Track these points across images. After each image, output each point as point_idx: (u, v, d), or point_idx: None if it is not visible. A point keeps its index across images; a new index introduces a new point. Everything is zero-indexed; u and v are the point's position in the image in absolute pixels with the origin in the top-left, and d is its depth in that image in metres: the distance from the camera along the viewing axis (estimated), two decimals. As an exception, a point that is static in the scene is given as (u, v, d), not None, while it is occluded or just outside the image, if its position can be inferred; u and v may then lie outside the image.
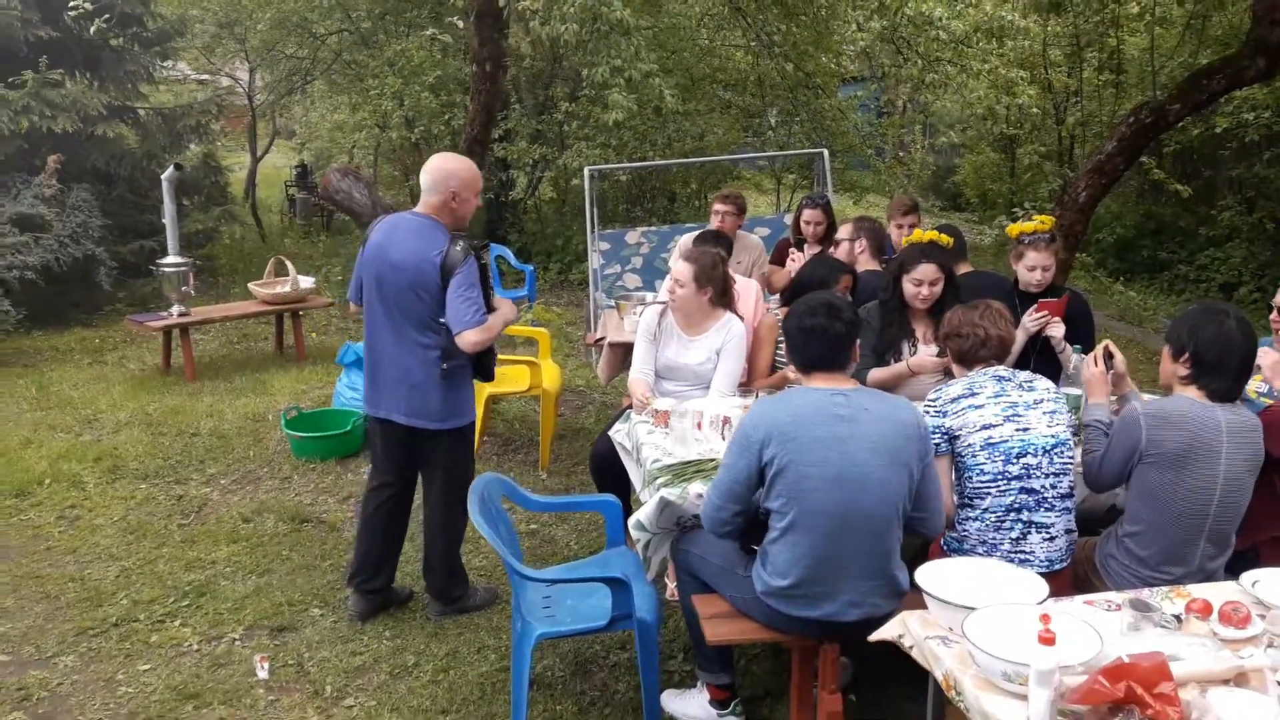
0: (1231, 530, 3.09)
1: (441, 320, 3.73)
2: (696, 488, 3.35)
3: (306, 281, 7.83)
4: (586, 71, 8.83)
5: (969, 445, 3.16)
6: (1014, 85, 9.26)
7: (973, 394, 3.21)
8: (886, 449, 2.88)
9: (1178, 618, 2.51)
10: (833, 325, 3.03)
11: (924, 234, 4.32)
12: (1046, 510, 3.14)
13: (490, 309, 3.82)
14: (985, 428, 3.15)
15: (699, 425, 3.88)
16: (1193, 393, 3.05)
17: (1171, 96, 6.77)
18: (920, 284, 4.18)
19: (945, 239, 4.39)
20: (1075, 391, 4.01)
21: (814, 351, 3.04)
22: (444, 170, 3.81)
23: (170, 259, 7.26)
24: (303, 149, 16.84)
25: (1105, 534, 3.28)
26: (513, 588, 3.37)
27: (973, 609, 2.40)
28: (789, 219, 7.02)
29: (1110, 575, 3.15)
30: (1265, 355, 3.53)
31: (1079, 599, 2.67)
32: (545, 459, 5.70)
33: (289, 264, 7.76)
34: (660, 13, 10.41)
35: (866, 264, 5.14)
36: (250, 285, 7.91)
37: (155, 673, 3.78)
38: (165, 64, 11.57)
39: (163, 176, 7.18)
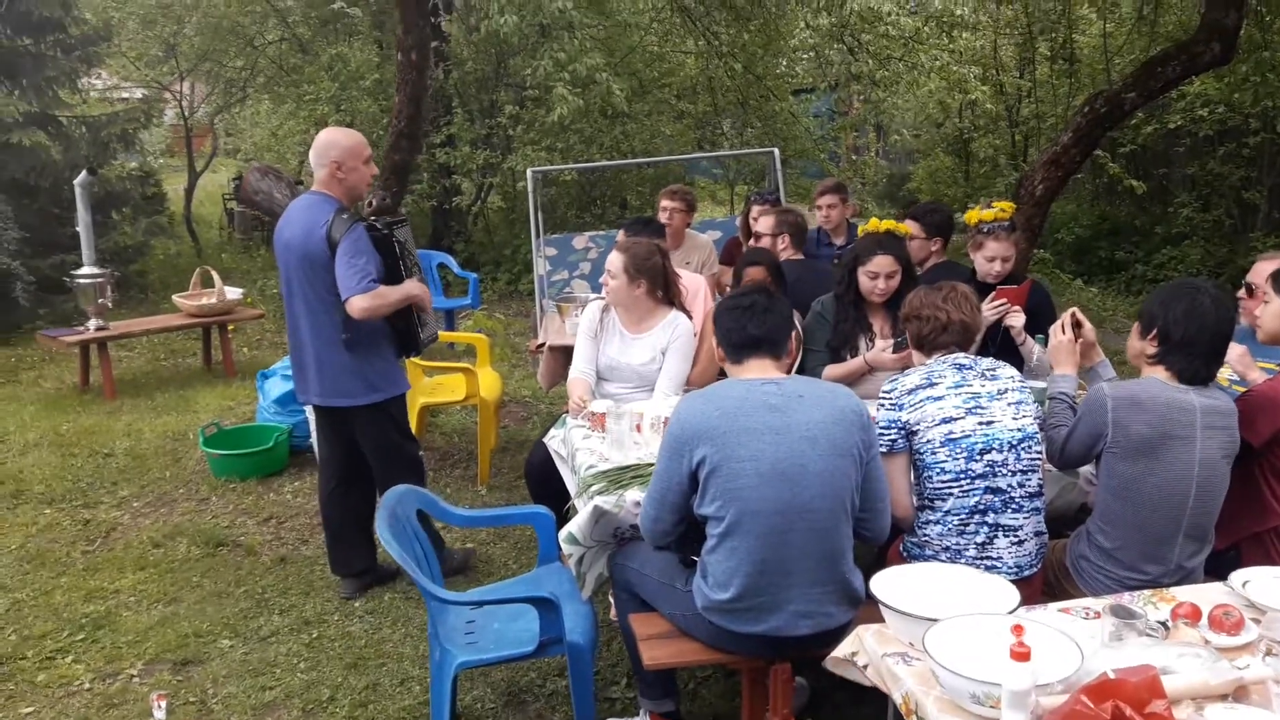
0: (1210, 524, 2.83)
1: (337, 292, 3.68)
2: (634, 495, 3.05)
3: (233, 293, 7.43)
4: (530, 71, 8.53)
5: (928, 441, 2.88)
6: (966, 82, 9.11)
7: (931, 384, 2.93)
8: (825, 438, 2.60)
9: (1164, 624, 2.24)
10: (775, 303, 2.80)
11: (880, 223, 4.05)
12: (1014, 511, 2.86)
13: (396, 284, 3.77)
14: (945, 421, 2.87)
15: (638, 428, 3.58)
16: (1160, 373, 2.79)
17: (1126, 84, 6.60)
18: (876, 277, 3.92)
19: (903, 228, 4.14)
20: (1040, 384, 3.76)
21: (744, 341, 2.79)
22: (324, 142, 3.79)
23: (85, 270, 6.83)
24: (248, 162, 16.36)
25: (1076, 533, 3.01)
26: (429, 613, 3.03)
27: (935, 621, 2.12)
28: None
29: (1083, 578, 2.88)
30: (1232, 348, 3.29)
31: (1053, 606, 2.39)
32: (484, 473, 5.35)
33: (215, 275, 7.35)
34: (607, 15, 10.15)
35: (791, 256, 4.99)
36: (175, 297, 7.49)
37: (39, 715, 3.40)
38: (91, 71, 11.08)
39: (75, 182, 6.75)
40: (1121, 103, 6.54)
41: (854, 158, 17.31)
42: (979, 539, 2.85)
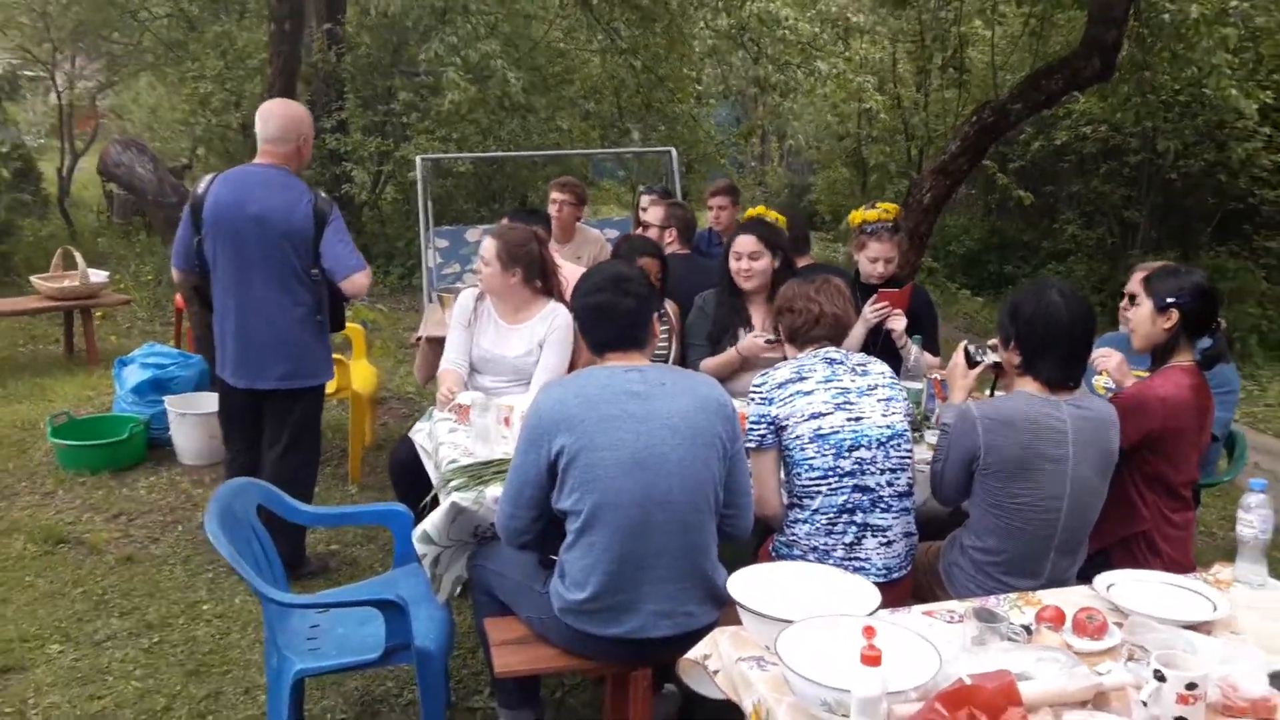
0: (1083, 538, 2.81)
1: (313, 271, 3.67)
2: (495, 491, 2.88)
3: (98, 275, 6.99)
4: (423, 54, 8.27)
5: (797, 437, 2.79)
6: (862, 91, 9.17)
7: (801, 378, 2.84)
8: (687, 426, 2.49)
9: (1027, 628, 2.18)
10: (621, 301, 2.64)
11: (755, 210, 4.01)
12: (883, 511, 2.79)
13: None
14: (814, 416, 2.78)
15: (506, 421, 3.41)
16: (1030, 385, 2.74)
17: (1012, 96, 6.70)
18: (740, 257, 3.89)
19: (773, 214, 4.09)
20: (916, 385, 3.72)
21: (603, 331, 2.66)
22: (293, 116, 3.76)
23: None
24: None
25: (950, 539, 2.95)
26: (265, 617, 2.81)
27: (790, 622, 2.01)
28: None
29: (955, 586, 2.82)
30: (1109, 357, 3.29)
31: (916, 609, 2.32)
32: (355, 471, 5.10)
33: (77, 255, 6.90)
34: (505, 4, 9.92)
35: (677, 250, 4.90)
36: (34, 279, 7.02)
37: None
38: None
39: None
40: (1007, 114, 6.63)
41: (755, 165, 17.42)
42: (847, 539, 2.77)
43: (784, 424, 2.81)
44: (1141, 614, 2.20)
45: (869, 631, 1.71)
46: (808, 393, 2.81)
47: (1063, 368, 2.69)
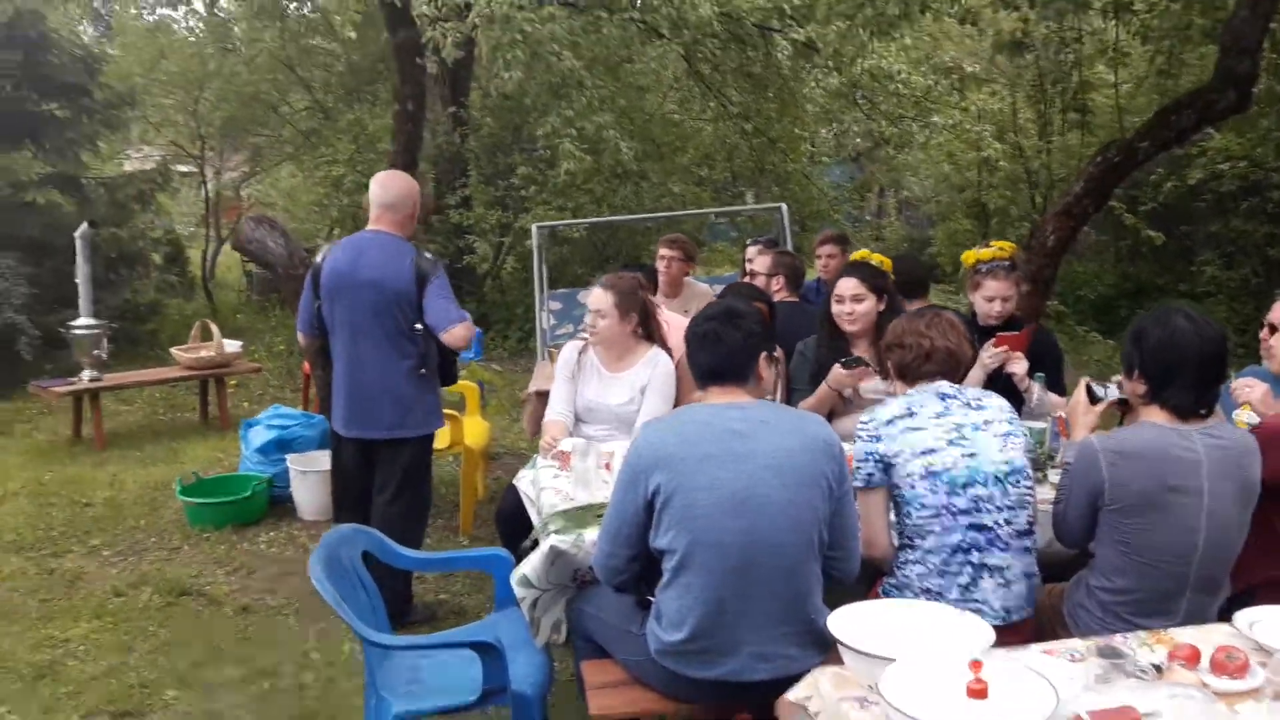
0: (1223, 574, 2.56)
1: (418, 327, 3.85)
2: (593, 534, 2.82)
3: (232, 345, 7.32)
4: (540, 129, 8.54)
5: (908, 474, 2.65)
6: (980, 139, 8.97)
7: (911, 414, 2.70)
8: (792, 466, 2.38)
9: (1157, 667, 1.97)
10: (731, 333, 2.57)
11: (861, 253, 3.92)
12: (1001, 550, 2.61)
13: None
14: (925, 453, 2.64)
15: (607, 466, 3.37)
16: (1157, 415, 2.53)
17: (1140, 134, 6.42)
18: (842, 300, 3.81)
19: (878, 257, 3.99)
20: (1039, 425, 3.52)
21: (709, 359, 2.58)
22: (407, 191, 3.99)
23: (82, 320, 6.77)
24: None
25: (1075, 579, 2.74)
26: (366, 659, 2.80)
27: (892, 660, 1.87)
28: None
29: (1080, 628, 2.60)
30: (1254, 388, 3.05)
31: (1036, 648, 2.13)
32: (466, 524, 5.12)
33: (214, 327, 7.27)
34: (619, 78, 10.15)
35: (785, 298, 4.82)
36: (173, 350, 7.41)
37: (-39, 769, 3.18)
38: (112, 134, 11.24)
39: (75, 234, 6.72)
40: (1135, 152, 6.34)
41: (872, 218, 17.25)
42: (962, 580, 2.60)
43: (893, 461, 2.67)
44: (1292, 653, 1.97)
45: (976, 665, 1.57)
46: (918, 428, 2.67)
47: (1193, 394, 2.49)
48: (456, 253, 10.92)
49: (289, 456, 5.40)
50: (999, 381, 3.80)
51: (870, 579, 2.86)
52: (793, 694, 2.10)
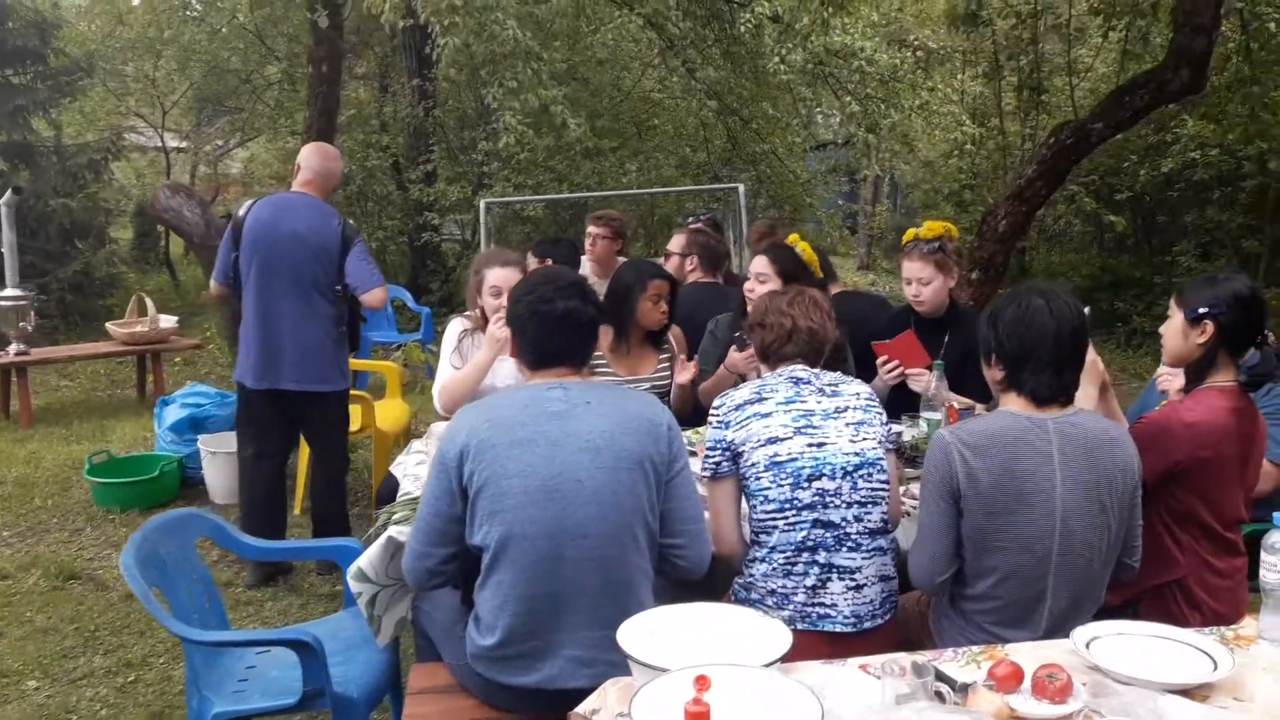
0: (1090, 579, 2.32)
1: (338, 288, 4.00)
2: (437, 525, 2.66)
3: (168, 321, 7.15)
4: (487, 101, 8.33)
5: (753, 464, 2.47)
6: (958, 123, 8.75)
7: (760, 399, 2.52)
8: (609, 449, 2.21)
9: (966, 688, 1.81)
10: (585, 310, 2.38)
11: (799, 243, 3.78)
12: (850, 550, 2.43)
13: None
14: (771, 441, 2.46)
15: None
16: (1014, 402, 2.34)
17: (1093, 114, 6.21)
18: (749, 279, 3.63)
19: (803, 245, 3.81)
20: (934, 415, 3.35)
21: (560, 341, 2.37)
22: (337, 170, 4.22)
23: (9, 292, 6.59)
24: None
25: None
26: (186, 657, 2.65)
27: (667, 670, 1.71)
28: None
29: (944, 638, 2.41)
30: (1175, 376, 2.89)
31: (853, 662, 1.97)
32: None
33: (149, 302, 7.10)
34: (579, 52, 9.92)
35: (700, 279, 4.61)
36: (108, 325, 7.25)
37: None
38: (69, 102, 11.05)
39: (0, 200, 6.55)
40: (1088, 133, 6.14)
41: (865, 207, 17.07)
42: (809, 581, 2.42)
43: (740, 450, 2.50)
44: (1116, 673, 1.81)
45: (701, 682, 1.40)
46: (765, 415, 2.49)
47: (1051, 380, 2.30)
48: (416, 230, 10.73)
49: (200, 437, 5.25)
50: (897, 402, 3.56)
51: (729, 580, 2.69)
52: (583, 705, 1.94)
